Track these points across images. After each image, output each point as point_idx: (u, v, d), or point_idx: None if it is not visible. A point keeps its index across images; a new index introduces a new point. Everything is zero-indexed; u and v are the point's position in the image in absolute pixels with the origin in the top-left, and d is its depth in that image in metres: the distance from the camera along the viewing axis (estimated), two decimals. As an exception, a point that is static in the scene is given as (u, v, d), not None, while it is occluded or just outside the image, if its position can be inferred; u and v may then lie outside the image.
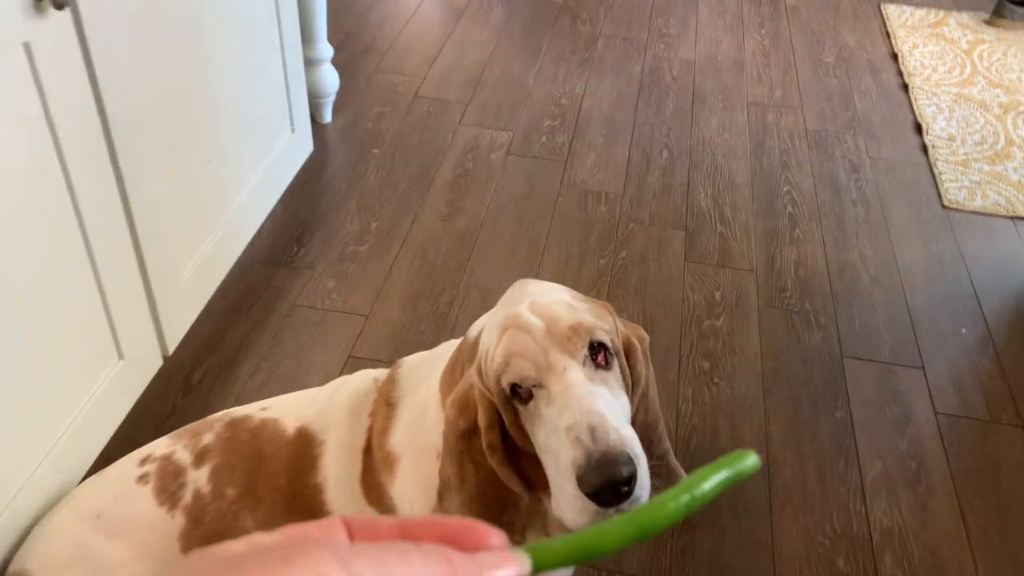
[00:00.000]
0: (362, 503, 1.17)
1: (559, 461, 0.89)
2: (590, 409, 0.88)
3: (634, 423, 0.98)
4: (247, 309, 1.95)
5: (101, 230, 1.45)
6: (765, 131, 2.76)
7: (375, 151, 2.52)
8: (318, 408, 1.23)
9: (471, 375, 1.01)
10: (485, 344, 0.99)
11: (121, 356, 1.56)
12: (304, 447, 1.20)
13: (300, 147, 2.36)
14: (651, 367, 1.10)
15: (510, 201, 2.37)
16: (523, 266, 2.15)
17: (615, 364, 0.99)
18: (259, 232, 2.17)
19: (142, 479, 1.22)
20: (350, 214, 2.28)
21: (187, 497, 1.19)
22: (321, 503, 1.18)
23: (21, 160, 1.26)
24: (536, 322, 0.94)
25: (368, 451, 1.17)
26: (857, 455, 1.76)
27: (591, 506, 0.87)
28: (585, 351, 0.94)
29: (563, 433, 0.88)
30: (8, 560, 1.27)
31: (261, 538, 0.32)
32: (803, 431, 1.80)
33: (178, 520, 1.19)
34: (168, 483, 1.21)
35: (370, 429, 1.18)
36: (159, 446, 1.26)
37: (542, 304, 0.97)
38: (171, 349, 1.74)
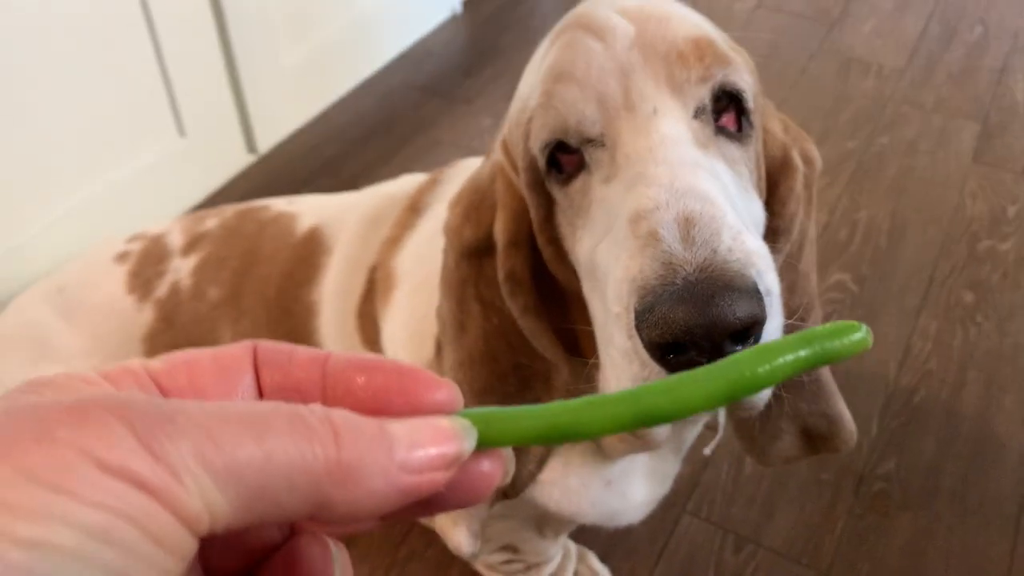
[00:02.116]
0: (355, 339, 0.82)
1: (607, 286, 0.47)
2: (688, 186, 0.45)
3: None
4: (381, 133, 1.63)
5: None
6: None
7: (591, -12, 2.08)
8: (343, 208, 0.89)
9: (494, 152, 0.62)
10: (525, 83, 0.57)
11: (183, 133, 1.28)
12: (309, 254, 0.87)
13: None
14: (814, 214, 0.63)
15: (743, 59, 1.85)
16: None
17: (752, 143, 0.54)
18: (418, 52, 1.84)
19: (121, 258, 0.94)
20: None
21: (162, 288, 0.91)
22: (310, 330, 0.85)
23: None
24: (621, 24, 0.52)
25: (376, 269, 0.81)
26: None
27: (655, 372, 0.44)
28: (706, 94, 0.51)
29: (625, 226, 0.46)
30: None
31: (67, 384, 0.21)
32: (1105, 412, 1.18)
33: (146, 316, 0.90)
34: (146, 267, 0.92)
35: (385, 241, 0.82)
36: (159, 226, 0.97)
37: (637, 4, 0.53)
38: (261, 148, 1.45)
